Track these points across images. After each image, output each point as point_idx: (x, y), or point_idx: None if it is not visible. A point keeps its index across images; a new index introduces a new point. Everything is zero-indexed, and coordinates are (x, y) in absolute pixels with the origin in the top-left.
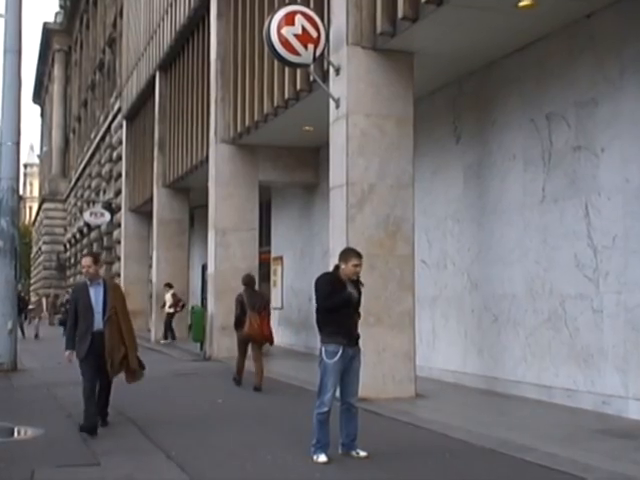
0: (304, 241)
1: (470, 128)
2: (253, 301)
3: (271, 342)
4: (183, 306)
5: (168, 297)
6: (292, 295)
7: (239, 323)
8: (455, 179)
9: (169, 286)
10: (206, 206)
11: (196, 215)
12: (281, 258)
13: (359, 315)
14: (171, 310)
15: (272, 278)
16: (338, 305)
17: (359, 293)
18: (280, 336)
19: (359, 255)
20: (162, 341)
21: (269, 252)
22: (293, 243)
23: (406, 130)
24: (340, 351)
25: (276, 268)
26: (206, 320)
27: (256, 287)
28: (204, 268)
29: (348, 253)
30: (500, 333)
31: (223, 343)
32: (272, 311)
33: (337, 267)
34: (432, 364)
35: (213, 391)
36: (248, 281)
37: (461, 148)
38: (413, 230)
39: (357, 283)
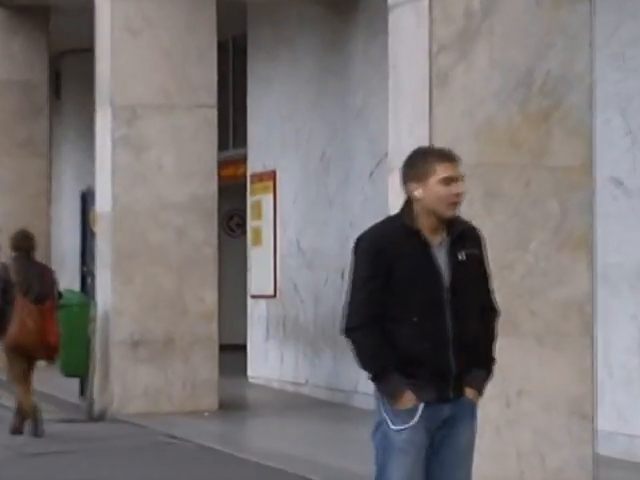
0: (328, 133)
1: None
2: (28, 280)
3: (52, 357)
4: None
5: None
6: (300, 264)
7: (2, 321)
8: None
9: None
10: (89, 51)
11: (66, 73)
12: (272, 175)
13: (471, 319)
14: None
15: (250, 224)
16: (369, 317)
17: (469, 263)
18: (273, 363)
19: (452, 158)
20: None
21: (243, 161)
22: (301, 139)
23: None
24: (419, 411)
25: (259, 200)
26: (93, 327)
27: (34, 254)
28: (86, 200)
29: (427, 157)
30: None
31: (138, 380)
32: (254, 302)
33: (407, 203)
34: (637, 426)
35: None
36: (20, 243)
37: None
38: (590, 105)
39: (463, 239)
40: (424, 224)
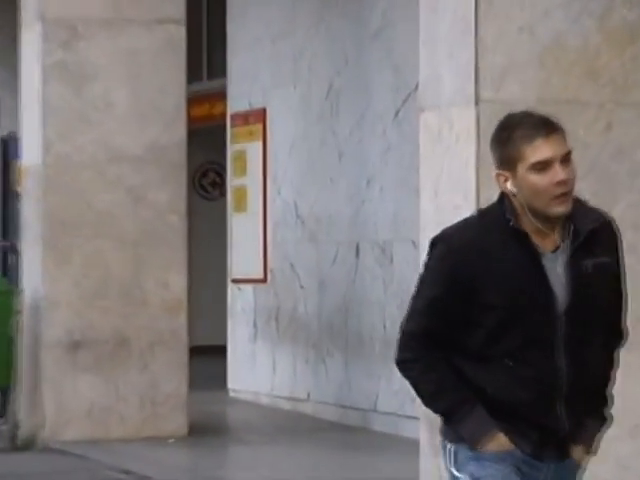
0: (337, 59)
1: None
2: None
3: None
4: None
5: None
6: (298, 237)
7: None
8: None
9: None
10: None
11: None
12: (261, 116)
13: (595, 359)
14: None
15: (230, 183)
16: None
17: (598, 278)
18: (263, 372)
19: (545, 130)
20: None
21: (221, 98)
22: (300, 67)
23: None
24: (507, 461)
25: (242, 150)
26: (17, 323)
27: None
28: (6, 149)
29: (512, 133)
30: None
31: (79, 394)
32: (236, 289)
33: (502, 197)
34: None
35: None
36: None
37: None
38: None
39: (592, 242)
40: (528, 226)
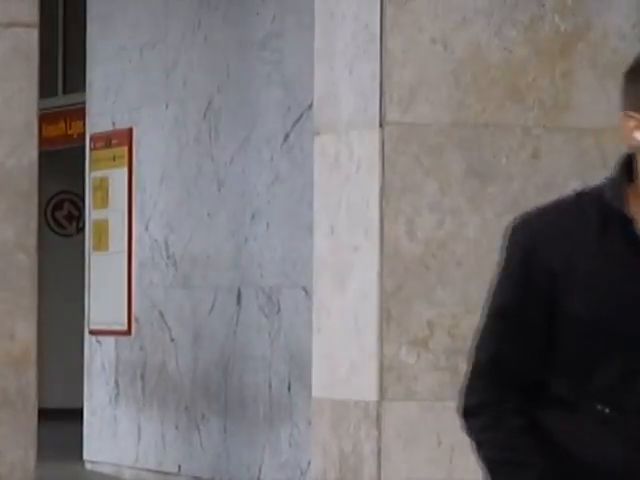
0: (217, 72)
1: None
2: None
3: None
4: None
5: None
6: (170, 281)
7: None
8: None
9: None
10: None
11: None
12: (127, 138)
13: None
14: None
15: (90, 216)
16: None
17: None
18: (126, 440)
19: None
20: None
21: (80, 115)
22: (174, 80)
23: None
24: None
25: (104, 177)
26: None
27: None
28: None
29: None
30: None
31: None
32: (95, 341)
33: (623, 163)
34: None
35: None
36: None
37: None
38: None
39: None
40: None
